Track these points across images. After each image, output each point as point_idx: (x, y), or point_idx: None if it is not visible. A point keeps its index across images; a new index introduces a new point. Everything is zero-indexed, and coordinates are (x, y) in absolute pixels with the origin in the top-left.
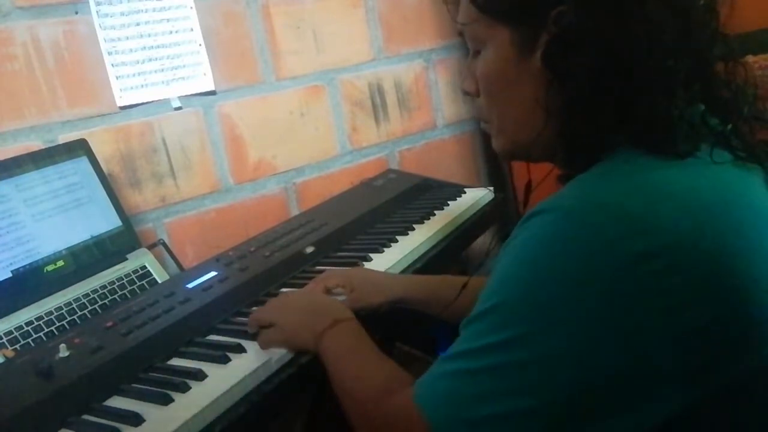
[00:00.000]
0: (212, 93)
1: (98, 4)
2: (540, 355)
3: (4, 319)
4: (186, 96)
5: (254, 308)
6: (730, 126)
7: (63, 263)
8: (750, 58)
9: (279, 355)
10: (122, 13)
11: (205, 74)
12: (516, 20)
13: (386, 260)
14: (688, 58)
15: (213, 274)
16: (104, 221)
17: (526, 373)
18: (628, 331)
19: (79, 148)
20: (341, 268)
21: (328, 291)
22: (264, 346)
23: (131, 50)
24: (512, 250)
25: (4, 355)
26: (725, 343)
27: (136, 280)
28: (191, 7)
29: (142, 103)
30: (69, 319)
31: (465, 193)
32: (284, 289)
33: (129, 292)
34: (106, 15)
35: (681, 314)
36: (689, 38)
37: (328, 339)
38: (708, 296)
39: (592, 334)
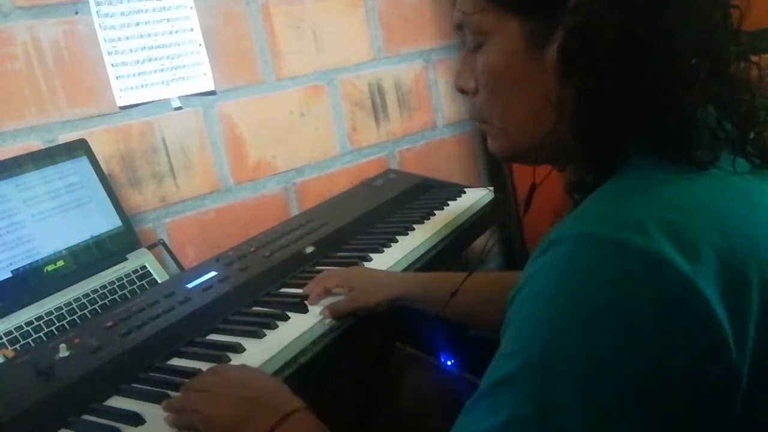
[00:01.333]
0: (212, 93)
1: (98, 4)
2: (592, 419)
3: (4, 319)
4: (186, 96)
5: (254, 308)
6: (753, 134)
7: (63, 263)
8: (750, 58)
9: (279, 355)
10: (122, 13)
11: (205, 74)
12: (529, 11)
13: (386, 260)
14: (709, 57)
15: (213, 274)
16: (104, 221)
17: None
18: (687, 373)
19: (79, 148)
20: (340, 267)
21: (327, 291)
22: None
23: (131, 50)
24: (534, 293)
25: (4, 355)
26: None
27: (136, 280)
28: (191, 7)
29: (142, 103)
30: (69, 319)
31: (465, 193)
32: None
33: (129, 292)
34: (106, 15)
35: (739, 344)
36: (711, 36)
37: None
38: (755, 321)
39: (641, 389)
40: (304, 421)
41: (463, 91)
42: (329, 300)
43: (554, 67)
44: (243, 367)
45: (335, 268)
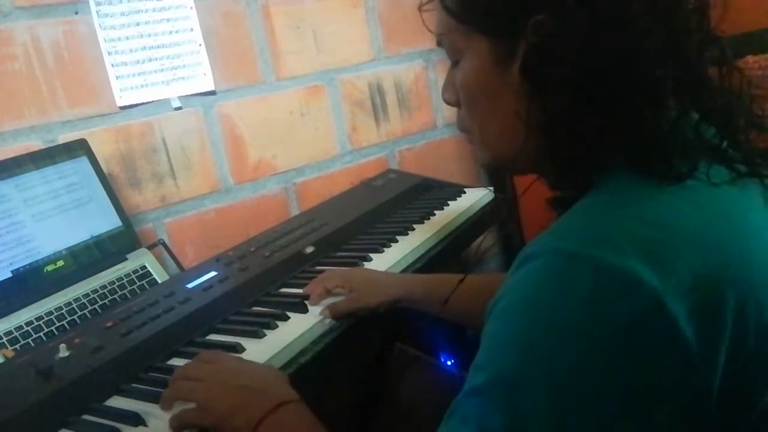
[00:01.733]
0: (212, 93)
1: (98, 4)
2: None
3: (4, 319)
4: (186, 96)
5: (254, 308)
6: (726, 142)
7: (63, 263)
8: (750, 59)
9: (279, 355)
10: (122, 13)
11: (205, 74)
12: (493, 30)
13: (386, 260)
14: (677, 66)
15: (213, 274)
16: (104, 221)
17: None
18: (654, 392)
19: (79, 148)
20: (341, 268)
21: (327, 291)
22: (177, 426)
23: (131, 50)
24: (508, 305)
25: (4, 355)
26: (745, 386)
27: (136, 280)
28: (191, 7)
29: (142, 103)
30: (69, 319)
31: (465, 193)
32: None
33: (129, 292)
34: (106, 15)
35: (710, 357)
36: (677, 45)
37: (270, 427)
38: (730, 334)
39: (612, 396)
40: (297, 412)
41: (449, 104)
42: (329, 300)
43: (520, 84)
44: (237, 357)
45: (335, 268)
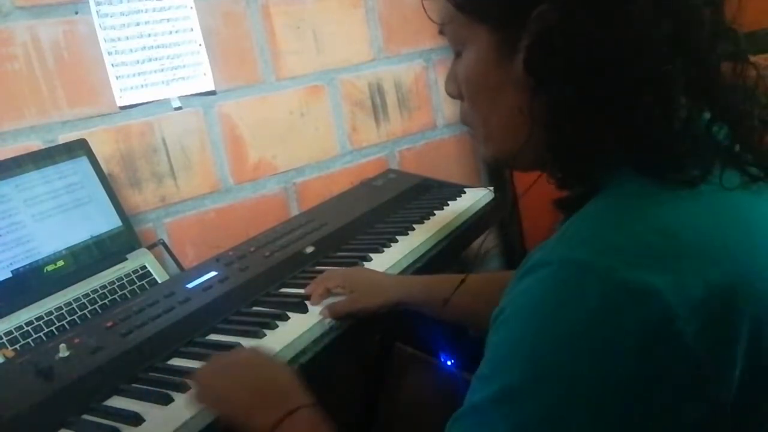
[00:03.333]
0: (212, 93)
1: (98, 4)
2: None
3: (4, 319)
4: (186, 96)
5: (254, 308)
6: (738, 144)
7: (63, 263)
8: (750, 58)
9: (279, 355)
10: (122, 13)
11: (205, 74)
12: (495, 20)
13: (386, 260)
14: (687, 61)
15: (213, 274)
16: (104, 221)
17: None
18: (661, 403)
19: (79, 148)
20: (341, 268)
21: (328, 292)
22: (195, 401)
23: (131, 50)
24: (514, 314)
25: (4, 355)
26: (761, 399)
27: (136, 280)
28: (191, 7)
29: (142, 103)
30: (69, 319)
31: (465, 193)
32: (239, 344)
33: (129, 292)
34: (106, 15)
35: (722, 372)
36: (687, 38)
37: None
38: (744, 348)
39: (620, 412)
40: (307, 418)
41: (452, 96)
42: (330, 301)
43: (522, 76)
44: (255, 351)
45: (336, 268)
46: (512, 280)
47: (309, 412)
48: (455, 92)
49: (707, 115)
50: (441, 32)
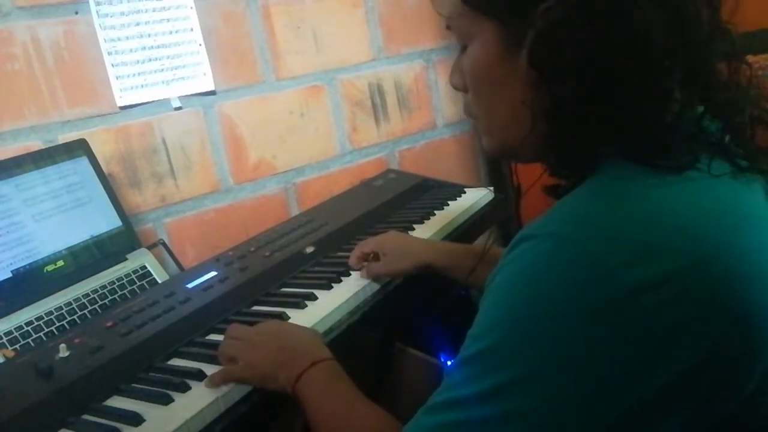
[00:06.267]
0: (212, 93)
1: (98, 4)
2: (537, 402)
3: (4, 319)
4: (186, 96)
5: (255, 308)
6: (728, 137)
7: (63, 263)
8: (749, 59)
9: None
10: (122, 13)
11: (205, 74)
12: (502, 15)
13: None
14: (685, 57)
15: (213, 274)
16: (104, 221)
17: (522, 424)
18: (634, 369)
19: (79, 148)
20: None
21: (365, 255)
22: (222, 381)
23: (131, 50)
24: (501, 282)
25: (4, 355)
26: (729, 375)
27: (136, 280)
28: (191, 7)
29: (142, 103)
30: (69, 319)
31: (465, 193)
32: (257, 314)
33: (129, 292)
34: (106, 15)
35: (686, 347)
36: (686, 36)
37: (306, 383)
38: (713, 327)
39: (594, 374)
40: (329, 368)
41: (457, 88)
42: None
43: (526, 71)
44: (277, 321)
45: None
46: (504, 252)
47: (330, 363)
48: (460, 84)
49: (700, 109)
50: (448, 27)
